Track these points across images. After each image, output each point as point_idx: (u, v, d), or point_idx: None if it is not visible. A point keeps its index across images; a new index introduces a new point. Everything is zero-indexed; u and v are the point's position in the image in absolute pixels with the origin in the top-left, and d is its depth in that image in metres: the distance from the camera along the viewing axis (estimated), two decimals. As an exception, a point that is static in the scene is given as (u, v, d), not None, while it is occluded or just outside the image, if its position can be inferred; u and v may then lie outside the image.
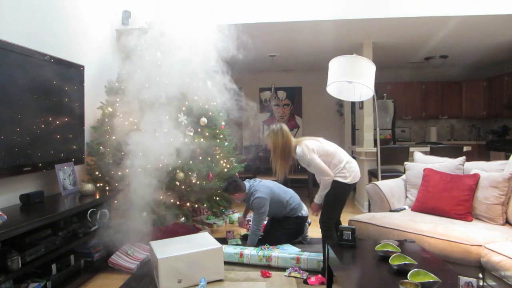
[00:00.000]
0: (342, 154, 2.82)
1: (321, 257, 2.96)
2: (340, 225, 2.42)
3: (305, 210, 3.70)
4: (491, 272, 2.13)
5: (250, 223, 3.83)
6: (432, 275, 1.67)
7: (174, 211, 3.58)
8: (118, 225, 3.33)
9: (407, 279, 1.67)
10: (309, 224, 3.85)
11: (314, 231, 4.07)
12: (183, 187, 3.60)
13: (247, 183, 3.65)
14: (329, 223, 2.80)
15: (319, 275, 2.80)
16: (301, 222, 3.66)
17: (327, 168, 2.73)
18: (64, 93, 3.21)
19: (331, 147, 2.85)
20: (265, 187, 3.58)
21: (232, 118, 4.13)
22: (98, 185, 3.50)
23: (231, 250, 3.21)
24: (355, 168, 2.80)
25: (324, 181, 2.75)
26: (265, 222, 3.73)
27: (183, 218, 3.58)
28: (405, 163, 3.44)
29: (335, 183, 2.74)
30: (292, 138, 2.85)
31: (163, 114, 3.49)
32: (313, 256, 3.00)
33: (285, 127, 2.86)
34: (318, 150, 2.76)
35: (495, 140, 6.74)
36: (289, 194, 3.66)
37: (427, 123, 7.77)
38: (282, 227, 3.57)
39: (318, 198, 2.83)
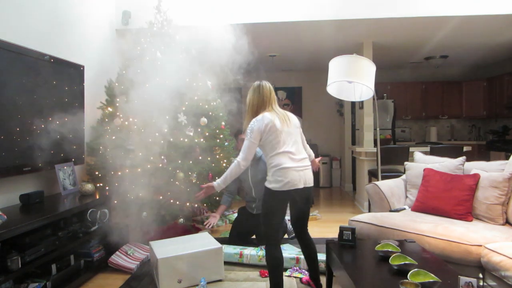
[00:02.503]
0: (282, 153, 2.27)
1: (322, 258, 2.94)
2: (340, 225, 2.41)
3: None
4: (491, 272, 2.13)
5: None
6: (432, 275, 1.67)
7: (174, 211, 3.58)
8: (118, 225, 3.33)
9: (407, 279, 1.67)
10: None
11: (315, 231, 4.07)
12: (183, 187, 3.59)
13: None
14: (269, 236, 2.32)
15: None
16: None
17: (248, 155, 2.29)
18: (64, 93, 3.21)
19: (286, 138, 2.30)
20: None
21: (232, 118, 4.14)
22: (98, 185, 3.49)
23: (231, 250, 3.22)
24: (286, 176, 2.22)
25: (236, 163, 2.30)
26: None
27: (181, 219, 3.57)
28: (405, 163, 3.44)
29: (265, 189, 2.32)
30: (267, 102, 2.37)
31: (163, 114, 3.49)
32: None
33: (266, 85, 2.41)
34: (264, 129, 2.26)
35: (495, 140, 6.74)
36: None
37: (427, 123, 7.77)
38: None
39: (219, 182, 2.37)
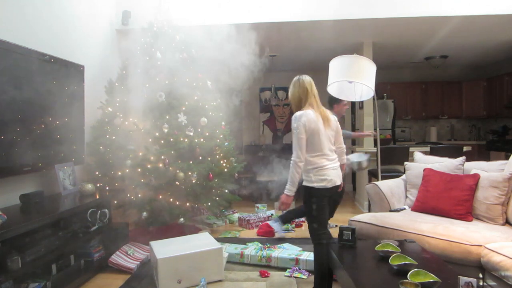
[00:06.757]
0: (321, 155, 2.40)
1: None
2: (340, 225, 2.41)
3: None
4: (491, 272, 2.13)
5: None
6: (432, 275, 1.67)
7: (174, 211, 3.58)
8: (118, 225, 3.33)
9: (407, 279, 1.67)
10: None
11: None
12: (183, 187, 3.59)
13: None
14: (317, 235, 2.42)
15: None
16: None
17: (300, 151, 2.33)
18: (64, 93, 3.21)
19: (325, 140, 2.41)
20: None
21: (232, 118, 4.14)
22: (98, 185, 3.49)
23: (232, 250, 3.22)
24: (329, 174, 2.39)
25: (292, 163, 2.34)
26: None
27: (181, 219, 3.57)
28: (405, 163, 3.44)
29: (306, 189, 2.43)
30: (309, 94, 2.44)
31: (163, 114, 3.49)
32: (312, 257, 2.99)
33: (305, 78, 2.48)
34: (308, 126, 2.34)
35: (495, 140, 6.74)
36: None
37: (427, 123, 7.77)
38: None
39: (288, 188, 2.40)
